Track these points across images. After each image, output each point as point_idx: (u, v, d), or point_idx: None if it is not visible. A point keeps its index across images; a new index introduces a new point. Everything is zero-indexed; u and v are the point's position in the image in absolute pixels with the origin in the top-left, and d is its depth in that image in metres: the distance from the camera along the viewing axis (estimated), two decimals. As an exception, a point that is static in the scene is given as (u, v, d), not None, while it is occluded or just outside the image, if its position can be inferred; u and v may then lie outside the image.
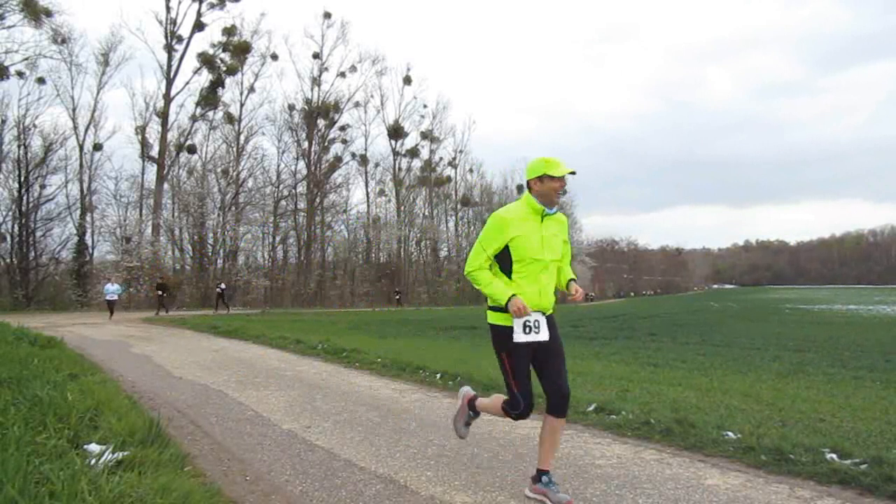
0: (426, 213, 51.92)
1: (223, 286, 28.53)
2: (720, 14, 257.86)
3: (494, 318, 2.96)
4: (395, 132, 48.05)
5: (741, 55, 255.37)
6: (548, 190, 2.92)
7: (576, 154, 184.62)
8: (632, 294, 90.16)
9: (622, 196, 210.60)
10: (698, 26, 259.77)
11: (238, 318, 21.38)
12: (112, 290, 22.15)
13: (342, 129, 45.37)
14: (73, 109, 33.28)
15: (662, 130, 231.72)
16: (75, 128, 33.34)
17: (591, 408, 4.89)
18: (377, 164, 48.34)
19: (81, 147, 33.48)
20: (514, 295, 2.82)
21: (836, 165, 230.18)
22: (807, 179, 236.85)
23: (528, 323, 2.87)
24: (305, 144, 43.07)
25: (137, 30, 47.58)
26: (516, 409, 2.96)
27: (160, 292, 24.93)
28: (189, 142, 37.57)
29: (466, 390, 3.49)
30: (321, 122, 43.60)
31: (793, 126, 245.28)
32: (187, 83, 36.31)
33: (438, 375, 6.79)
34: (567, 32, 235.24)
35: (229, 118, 39.23)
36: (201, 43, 43.50)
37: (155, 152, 35.53)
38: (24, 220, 31.36)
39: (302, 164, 43.31)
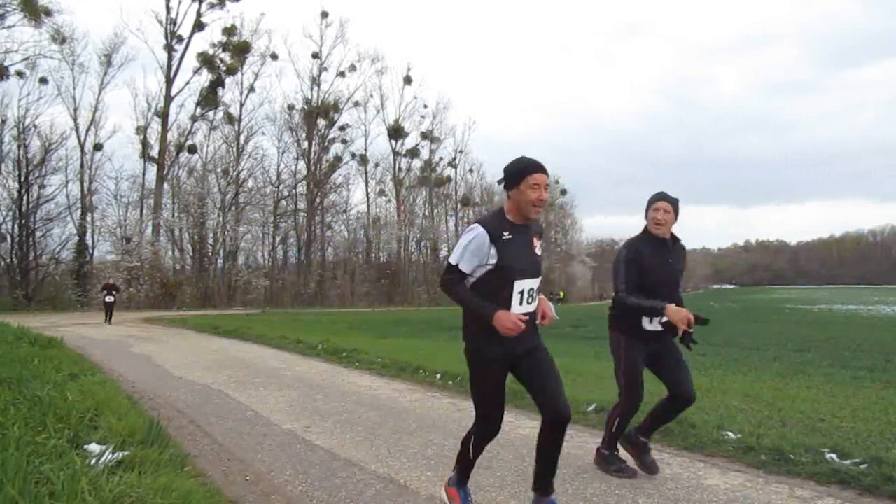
0: (426, 213, 51.91)
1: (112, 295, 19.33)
2: (728, 11, 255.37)
3: None
4: (395, 132, 48.00)
5: (749, 53, 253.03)
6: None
7: (579, 153, 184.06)
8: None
9: (625, 196, 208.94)
10: (707, 24, 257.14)
11: (238, 318, 21.38)
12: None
13: (342, 128, 45.36)
14: (75, 109, 33.29)
15: (667, 130, 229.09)
16: (76, 128, 33.35)
17: (590, 408, 4.90)
18: (377, 164, 48.34)
19: (82, 147, 33.51)
20: None
21: (840, 165, 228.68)
22: (808, 179, 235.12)
23: None
24: (305, 144, 43.08)
25: (138, 30, 47.37)
26: None
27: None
28: (189, 142, 37.60)
29: None
30: (321, 122, 43.58)
31: (799, 125, 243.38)
32: (187, 83, 36.36)
33: (438, 375, 6.79)
34: (570, 31, 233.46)
35: (229, 118, 39.24)
36: (201, 43, 43.38)
37: (155, 152, 35.53)
38: (24, 220, 31.35)
39: (302, 164, 43.36)
